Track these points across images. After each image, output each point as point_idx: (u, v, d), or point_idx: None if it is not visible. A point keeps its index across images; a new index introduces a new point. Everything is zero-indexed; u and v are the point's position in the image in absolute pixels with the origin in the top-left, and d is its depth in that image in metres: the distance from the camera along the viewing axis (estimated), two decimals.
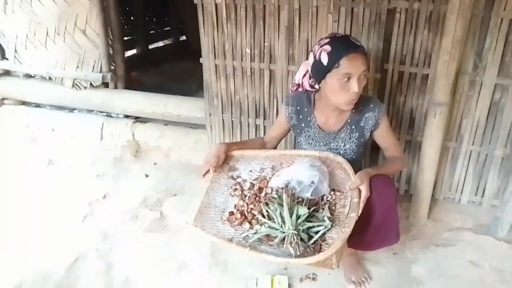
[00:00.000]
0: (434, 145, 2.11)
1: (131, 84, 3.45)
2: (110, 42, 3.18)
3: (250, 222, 1.61)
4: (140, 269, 2.00)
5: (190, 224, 1.61)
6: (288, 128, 1.98)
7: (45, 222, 2.34)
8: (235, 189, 1.76)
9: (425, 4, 2.05)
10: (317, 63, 1.64)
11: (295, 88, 1.93)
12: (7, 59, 3.53)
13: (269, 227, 1.54)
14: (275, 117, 2.55)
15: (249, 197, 1.70)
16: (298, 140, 1.94)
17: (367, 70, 1.62)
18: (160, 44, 6.62)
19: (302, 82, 1.87)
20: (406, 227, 2.25)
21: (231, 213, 1.67)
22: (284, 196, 1.55)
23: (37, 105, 3.57)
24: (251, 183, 1.77)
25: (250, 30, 2.39)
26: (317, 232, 1.50)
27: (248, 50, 2.45)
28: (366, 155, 2.38)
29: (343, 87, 1.61)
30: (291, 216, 1.50)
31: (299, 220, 1.50)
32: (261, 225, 1.57)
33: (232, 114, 2.69)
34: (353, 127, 1.81)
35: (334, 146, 1.84)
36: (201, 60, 2.60)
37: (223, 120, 2.74)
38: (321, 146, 1.86)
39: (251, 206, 1.65)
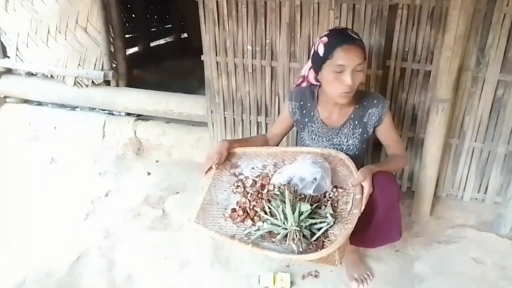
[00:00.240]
0: (437, 142, 2.11)
1: (132, 82, 3.45)
2: (111, 40, 3.18)
3: (252, 219, 1.61)
4: (142, 266, 2.00)
5: (192, 221, 1.61)
6: (291, 124, 1.97)
7: (47, 220, 2.34)
8: (237, 186, 1.76)
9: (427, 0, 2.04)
10: (315, 54, 1.68)
11: (300, 80, 1.93)
12: (8, 57, 3.53)
13: (272, 223, 1.54)
14: (276, 114, 2.54)
15: (251, 194, 1.70)
16: (301, 135, 1.94)
17: (362, 64, 1.61)
18: (162, 41, 6.62)
19: (307, 75, 1.88)
20: (408, 224, 2.24)
21: (233, 210, 1.66)
22: (287, 192, 1.55)
23: (39, 103, 3.57)
24: (253, 180, 1.77)
25: (251, 27, 2.39)
26: (319, 229, 1.50)
27: (249, 47, 2.44)
28: (368, 153, 2.38)
29: (337, 78, 1.62)
30: (293, 213, 1.49)
31: (302, 217, 1.50)
32: (263, 222, 1.57)
33: (233, 111, 2.69)
34: (356, 122, 1.81)
35: (337, 141, 1.84)
36: (203, 57, 2.60)
37: (224, 117, 2.74)
38: (324, 141, 1.86)
39: (253, 203, 1.65)
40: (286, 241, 1.47)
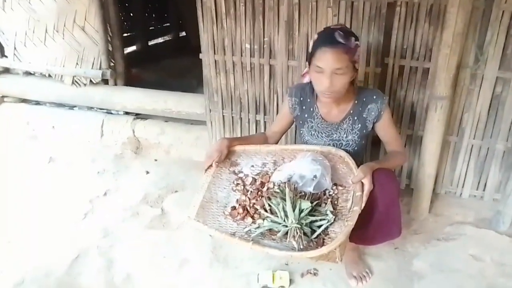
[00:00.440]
0: (435, 139, 2.11)
1: (131, 81, 3.44)
2: (109, 39, 3.17)
3: (252, 217, 1.61)
4: (141, 265, 2.00)
5: (192, 219, 1.61)
6: (291, 121, 1.97)
7: (46, 220, 2.34)
8: (237, 184, 1.76)
9: None
10: (307, 49, 1.70)
11: (304, 72, 1.93)
12: (6, 56, 3.52)
13: (272, 221, 1.54)
14: (275, 112, 2.54)
15: (251, 192, 1.70)
16: (301, 131, 1.94)
17: (343, 68, 1.59)
18: (160, 40, 6.60)
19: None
20: (407, 222, 2.24)
21: (233, 208, 1.66)
22: (287, 190, 1.55)
23: (37, 103, 3.56)
24: (253, 178, 1.77)
25: (249, 25, 2.38)
26: (320, 226, 1.50)
27: (247, 45, 2.44)
28: (367, 151, 2.38)
29: (317, 78, 1.64)
30: (293, 210, 1.50)
31: (302, 214, 1.50)
32: (263, 219, 1.57)
33: (232, 110, 2.69)
34: (356, 118, 1.81)
35: (337, 137, 1.84)
36: (201, 56, 2.59)
37: (223, 116, 2.74)
38: (324, 137, 1.86)
39: (253, 200, 1.65)
40: (286, 238, 1.47)
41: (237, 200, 1.70)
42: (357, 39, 1.64)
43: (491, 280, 1.88)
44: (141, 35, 5.88)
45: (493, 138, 2.21)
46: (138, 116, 3.24)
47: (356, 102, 1.79)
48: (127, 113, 3.27)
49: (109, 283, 1.90)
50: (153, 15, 6.66)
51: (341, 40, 1.58)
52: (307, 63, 1.76)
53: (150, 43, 6.20)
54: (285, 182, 1.64)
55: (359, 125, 1.81)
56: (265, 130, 2.54)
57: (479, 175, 2.32)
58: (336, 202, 1.60)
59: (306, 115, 1.88)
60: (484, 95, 2.14)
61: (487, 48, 2.05)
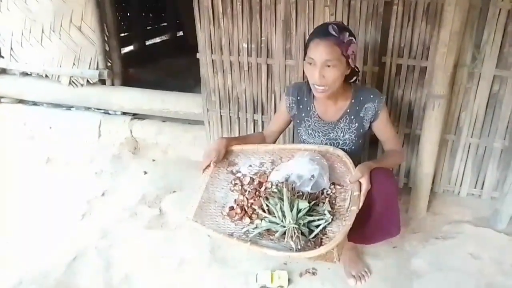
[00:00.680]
0: (433, 138, 2.11)
1: (128, 81, 3.43)
2: (106, 39, 3.16)
3: (250, 217, 1.61)
4: (140, 266, 2.00)
5: (190, 219, 1.61)
6: (288, 120, 1.97)
7: (44, 220, 2.33)
8: (235, 184, 1.76)
9: None
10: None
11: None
12: (3, 57, 3.50)
13: (270, 221, 1.54)
14: (273, 112, 2.54)
15: (249, 192, 1.69)
16: (298, 130, 1.94)
17: (334, 61, 1.59)
18: (157, 40, 6.57)
19: None
20: (405, 221, 2.24)
21: (231, 208, 1.66)
22: (284, 190, 1.55)
23: (34, 103, 3.54)
24: (251, 177, 1.77)
25: (246, 24, 2.38)
26: (317, 226, 1.50)
27: (245, 45, 2.43)
28: (365, 150, 2.38)
29: (309, 70, 1.66)
30: (291, 210, 1.49)
31: (300, 214, 1.50)
32: (261, 219, 1.57)
33: (230, 109, 2.68)
34: (353, 117, 1.81)
35: (334, 136, 1.84)
36: (198, 55, 2.59)
37: (221, 115, 2.73)
38: (321, 136, 1.86)
39: (251, 200, 1.65)
40: (284, 238, 1.47)
41: (235, 200, 1.69)
42: (352, 35, 1.65)
43: (489, 278, 1.89)
44: (138, 35, 5.85)
45: (491, 136, 2.21)
46: (135, 116, 3.23)
47: (353, 101, 1.79)
48: (124, 113, 3.25)
49: (107, 284, 1.89)
50: (150, 15, 6.63)
51: (333, 32, 1.60)
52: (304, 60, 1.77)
53: (147, 43, 6.18)
54: (283, 182, 1.64)
55: (356, 124, 1.81)
56: (262, 130, 2.54)
57: (477, 173, 2.32)
58: (334, 201, 1.60)
59: (303, 114, 1.88)
60: (481, 93, 2.14)
61: (484, 46, 2.05)
